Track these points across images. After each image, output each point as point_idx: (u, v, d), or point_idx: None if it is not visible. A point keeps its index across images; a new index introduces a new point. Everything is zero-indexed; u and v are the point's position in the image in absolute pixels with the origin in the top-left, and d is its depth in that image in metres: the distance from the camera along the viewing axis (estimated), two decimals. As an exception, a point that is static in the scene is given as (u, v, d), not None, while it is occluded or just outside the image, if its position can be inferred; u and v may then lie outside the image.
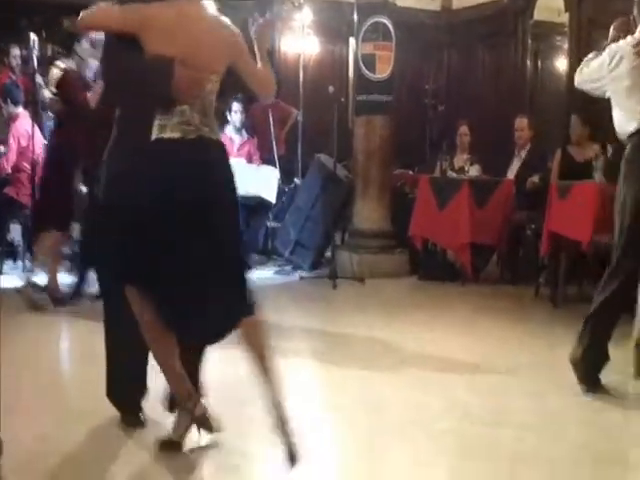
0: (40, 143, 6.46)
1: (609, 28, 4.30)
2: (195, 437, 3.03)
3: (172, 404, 3.10)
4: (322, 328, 5.24)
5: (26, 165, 6.53)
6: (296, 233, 7.76)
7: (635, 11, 4.07)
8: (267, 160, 8.14)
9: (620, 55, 4.04)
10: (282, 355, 3.10)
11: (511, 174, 7.47)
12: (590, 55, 4.27)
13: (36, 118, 6.51)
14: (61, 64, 5.56)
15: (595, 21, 7.80)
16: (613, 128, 4.18)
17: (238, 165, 7.94)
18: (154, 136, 2.87)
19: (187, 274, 2.84)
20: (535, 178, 7.09)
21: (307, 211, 7.74)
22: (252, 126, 8.35)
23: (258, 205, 7.68)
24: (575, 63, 6.66)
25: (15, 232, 7.06)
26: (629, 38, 4.07)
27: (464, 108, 9.53)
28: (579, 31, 8.22)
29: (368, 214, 7.58)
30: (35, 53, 6.19)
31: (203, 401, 3.02)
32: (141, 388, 3.26)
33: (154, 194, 2.82)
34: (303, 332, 5.05)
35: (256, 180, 7.56)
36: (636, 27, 4.07)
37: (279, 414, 2.79)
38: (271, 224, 8.20)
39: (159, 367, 2.98)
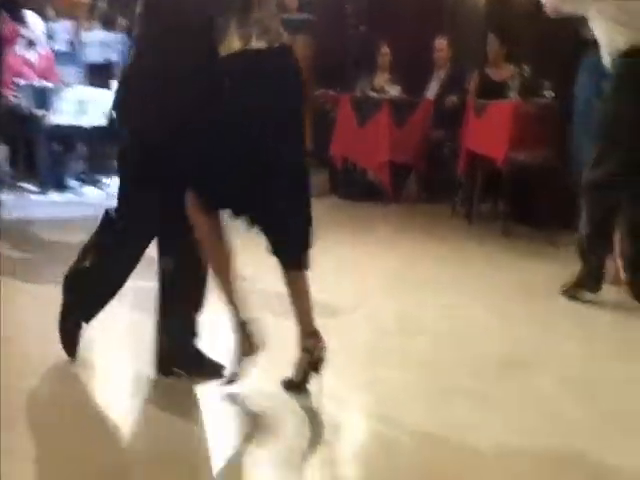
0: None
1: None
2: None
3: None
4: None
5: None
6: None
7: None
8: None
9: None
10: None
11: (430, 94, 7.54)
12: None
13: None
14: None
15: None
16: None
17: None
18: (235, 48, 2.70)
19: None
20: (453, 97, 7.18)
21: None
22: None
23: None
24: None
25: None
26: None
27: (385, 28, 9.49)
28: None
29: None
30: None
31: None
32: None
33: (254, 109, 2.71)
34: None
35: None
36: None
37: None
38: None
39: None
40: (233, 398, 2.80)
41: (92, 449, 2.40)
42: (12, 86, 6.78)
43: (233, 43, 2.71)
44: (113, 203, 2.95)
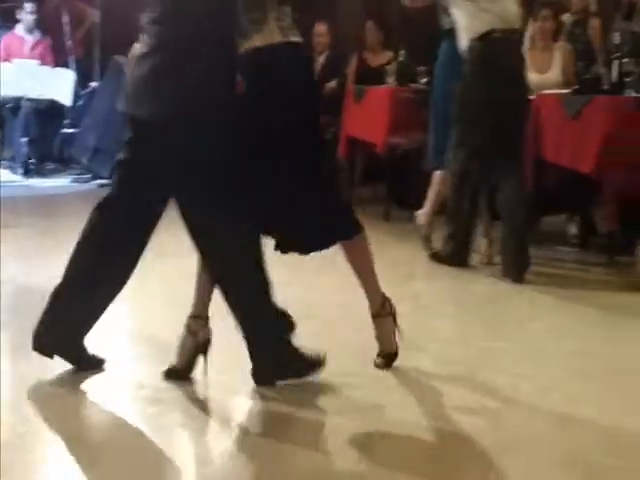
0: None
1: None
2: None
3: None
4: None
5: None
6: (95, 139, 7.51)
7: None
8: (63, 63, 7.77)
9: None
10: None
11: (310, 79, 7.55)
12: None
13: None
14: None
15: None
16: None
17: (31, 66, 7.58)
18: (275, 40, 2.72)
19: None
20: (332, 83, 7.23)
21: (105, 115, 7.47)
22: (45, 26, 7.91)
23: (52, 110, 7.35)
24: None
25: None
26: None
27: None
28: None
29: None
30: None
31: None
32: None
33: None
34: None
35: (50, 83, 7.21)
36: None
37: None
38: (67, 130, 7.88)
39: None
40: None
41: None
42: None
43: (274, 36, 2.74)
44: None
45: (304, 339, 2.89)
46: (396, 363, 3.01)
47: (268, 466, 2.30)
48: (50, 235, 5.35)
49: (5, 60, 7.76)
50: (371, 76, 6.54)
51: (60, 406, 2.69)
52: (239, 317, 2.77)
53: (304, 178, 2.80)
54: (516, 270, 4.30)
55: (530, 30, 5.86)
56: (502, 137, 4.30)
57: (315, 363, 2.85)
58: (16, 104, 7.69)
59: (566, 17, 6.57)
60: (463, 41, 4.34)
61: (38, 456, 2.36)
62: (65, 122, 7.82)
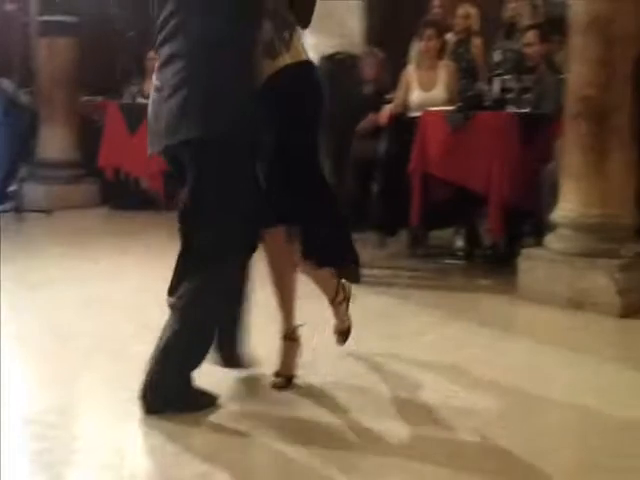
0: None
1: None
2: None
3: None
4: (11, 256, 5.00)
5: None
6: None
7: None
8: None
9: None
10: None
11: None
12: None
13: None
14: None
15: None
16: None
17: None
18: (305, 57, 2.96)
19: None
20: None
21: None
22: None
23: None
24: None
25: None
26: None
27: (153, 33, 9.34)
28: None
29: (55, 143, 7.30)
30: None
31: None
32: None
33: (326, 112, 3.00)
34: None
35: None
36: None
37: None
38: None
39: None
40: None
41: None
42: None
43: (301, 53, 2.97)
44: None
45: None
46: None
47: None
48: None
49: None
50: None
51: None
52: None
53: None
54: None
55: (415, 49, 5.99)
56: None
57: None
58: None
59: (449, 36, 6.74)
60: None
61: None
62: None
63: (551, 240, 4.30)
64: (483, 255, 5.21)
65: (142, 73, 7.78)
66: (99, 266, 4.99)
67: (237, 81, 2.75)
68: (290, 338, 3.07)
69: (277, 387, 3.01)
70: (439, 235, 5.52)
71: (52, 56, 7.29)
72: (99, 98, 8.12)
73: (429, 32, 5.67)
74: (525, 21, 6.80)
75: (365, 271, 4.39)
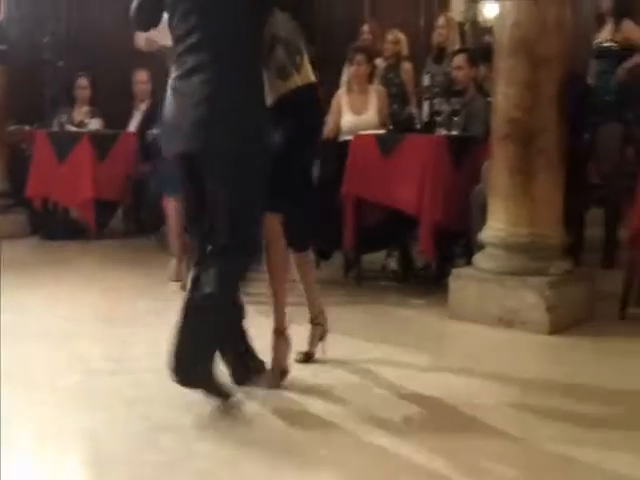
0: None
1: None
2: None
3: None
4: None
5: None
6: None
7: None
8: None
9: None
10: None
11: (132, 127, 7.45)
12: None
13: None
14: None
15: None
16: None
17: None
18: (313, 80, 3.33)
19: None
20: (155, 130, 7.14)
21: None
22: None
23: None
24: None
25: None
26: None
27: (86, 60, 9.25)
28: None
29: (-20, 173, 7.14)
30: None
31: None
32: None
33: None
34: None
35: None
36: None
37: None
38: None
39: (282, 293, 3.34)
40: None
41: None
42: None
43: (310, 75, 3.33)
44: None
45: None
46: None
47: None
48: None
49: None
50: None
51: None
52: None
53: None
54: None
55: (346, 74, 6.04)
56: None
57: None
58: None
59: (379, 62, 6.82)
60: None
61: None
62: None
63: (480, 259, 4.35)
64: (416, 276, 5.24)
65: (71, 102, 7.70)
66: (34, 296, 4.88)
67: (259, 97, 3.09)
68: (283, 335, 3.35)
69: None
70: (373, 258, 5.53)
71: (-22, 84, 7.14)
72: (27, 127, 7.98)
73: (359, 57, 5.74)
74: (454, 46, 6.93)
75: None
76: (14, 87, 7.53)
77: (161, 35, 4.85)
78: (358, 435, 2.83)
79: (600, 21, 5.96)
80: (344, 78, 6.34)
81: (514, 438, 2.81)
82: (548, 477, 2.54)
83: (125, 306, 4.75)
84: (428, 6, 9.81)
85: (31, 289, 5.07)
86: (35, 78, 9.22)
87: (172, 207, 5.23)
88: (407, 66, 7.03)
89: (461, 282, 4.33)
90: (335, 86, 6.23)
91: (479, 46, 7.55)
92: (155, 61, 8.65)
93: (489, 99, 4.91)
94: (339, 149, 5.38)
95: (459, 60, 5.80)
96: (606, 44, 5.81)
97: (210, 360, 3.02)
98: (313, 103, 3.39)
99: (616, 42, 5.77)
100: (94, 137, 7.06)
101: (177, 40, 3.08)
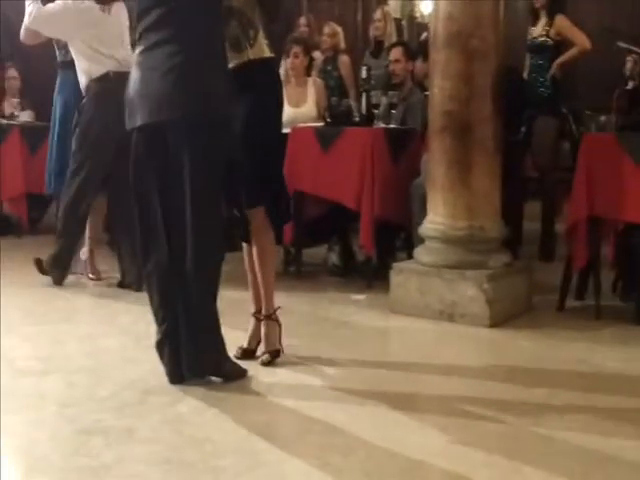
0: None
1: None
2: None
3: None
4: None
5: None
6: None
7: None
8: None
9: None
10: None
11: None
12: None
13: None
14: None
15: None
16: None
17: None
18: (267, 55, 3.32)
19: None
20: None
21: None
22: None
23: None
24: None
25: None
26: None
27: (15, 50, 8.98)
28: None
29: None
30: None
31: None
32: None
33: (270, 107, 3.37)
34: None
35: None
36: None
37: None
38: None
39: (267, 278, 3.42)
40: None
41: None
42: None
43: (264, 50, 3.32)
44: None
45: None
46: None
47: None
48: None
49: None
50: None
51: None
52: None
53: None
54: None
55: (283, 67, 5.98)
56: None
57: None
58: None
59: (317, 54, 6.77)
60: (82, 81, 4.88)
61: None
62: None
63: (421, 253, 4.33)
64: (357, 270, 5.20)
65: (1, 93, 7.47)
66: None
67: (224, 66, 3.16)
68: (270, 317, 3.44)
69: (265, 363, 3.40)
70: (313, 252, 5.48)
71: None
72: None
73: (295, 49, 5.71)
74: (391, 40, 6.92)
75: (238, 293, 4.32)
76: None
77: (47, 27, 5.03)
78: (295, 437, 2.78)
79: (535, 16, 5.99)
80: (281, 71, 6.28)
81: (456, 429, 2.79)
82: (497, 468, 2.51)
83: (55, 303, 4.61)
84: (365, 0, 9.82)
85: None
86: None
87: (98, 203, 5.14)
88: (344, 59, 7.00)
89: (402, 276, 4.30)
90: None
91: (417, 42, 7.57)
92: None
93: (427, 93, 4.90)
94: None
95: (396, 53, 5.79)
96: (541, 39, 5.85)
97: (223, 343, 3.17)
98: (269, 80, 3.36)
99: (550, 37, 5.81)
100: (24, 130, 6.85)
101: (138, 19, 3.14)
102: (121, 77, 4.65)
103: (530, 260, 5.08)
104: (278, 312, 3.49)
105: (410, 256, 4.65)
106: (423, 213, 4.43)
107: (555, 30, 5.78)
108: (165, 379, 3.19)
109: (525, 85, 5.75)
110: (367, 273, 4.92)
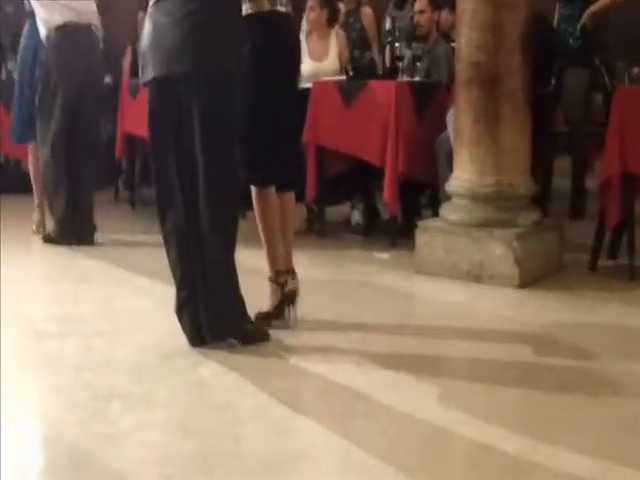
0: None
1: None
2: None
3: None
4: None
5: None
6: None
7: None
8: None
9: None
10: None
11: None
12: None
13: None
14: None
15: None
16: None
17: None
18: (266, 8, 3.19)
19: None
20: (108, 78, 6.84)
21: None
22: None
23: None
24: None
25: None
26: None
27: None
28: None
29: None
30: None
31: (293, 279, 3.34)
32: None
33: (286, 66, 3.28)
34: None
35: None
36: None
37: None
38: None
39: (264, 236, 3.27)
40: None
41: None
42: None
43: (264, 3, 3.19)
44: None
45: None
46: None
47: None
48: None
49: None
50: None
51: None
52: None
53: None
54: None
55: (305, 20, 5.83)
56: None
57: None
58: None
59: (340, 6, 6.58)
60: (42, 30, 4.85)
61: None
62: None
63: (447, 211, 4.20)
64: (381, 229, 5.08)
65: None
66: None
67: (238, 21, 3.06)
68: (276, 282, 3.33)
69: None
70: (336, 210, 5.36)
71: None
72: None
73: (311, 2, 5.57)
74: (415, -10, 6.71)
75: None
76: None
77: None
78: (317, 403, 2.70)
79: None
80: (303, 24, 6.12)
81: (482, 395, 2.69)
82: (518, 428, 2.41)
83: (72, 262, 4.54)
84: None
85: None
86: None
87: (32, 154, 5.20)
88: (367, 11, 6.80)
89: (427, 235, 4.17)
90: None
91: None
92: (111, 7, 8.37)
93: (453, 44, 4.72)
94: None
95: (421, 3, 5.61)
96: (570, -13, 5.62)
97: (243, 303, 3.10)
98: (261, 35, 3.17)
99: (580, -15, 5.58)
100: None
101: None
102: (80, 28, 4.87)
103: (560, 218, 4.92)
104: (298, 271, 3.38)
105: (436, 214, 4.52)
106: (449, 169, 4.29)
107: (586, -23, 5.54)
108: (184, 342, 3.11)
109: (554, 35, 5.54)
110: (391, 231, 4.79)
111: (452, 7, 4.83)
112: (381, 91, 4.79)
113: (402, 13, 6.52)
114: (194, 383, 2.81)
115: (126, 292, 3.93)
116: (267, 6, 3.20)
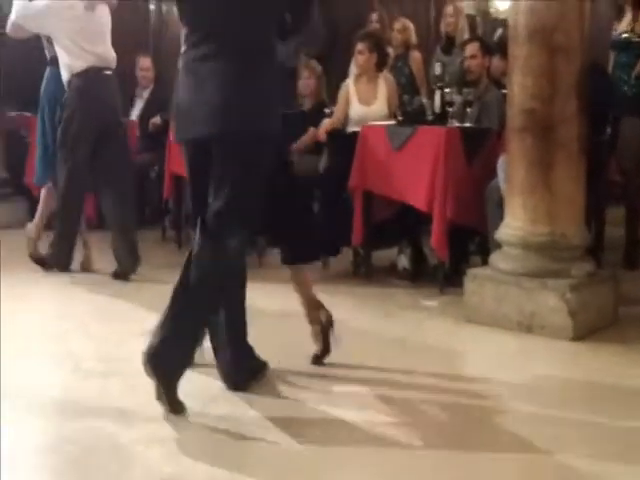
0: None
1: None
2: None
3: None
4: None
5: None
6: None
7: None
8: None
9: None
10: None
11: (134, 115, 7.22)
12: None
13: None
14: None
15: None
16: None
17: None
18: None
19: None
20: (157, 119, 6.91)
21: None
22: None
23: None
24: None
25: None
26: None
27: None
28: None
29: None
30: None
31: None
32: None
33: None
34: None
35: None
36: None
37: None
38: None
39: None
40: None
41: None
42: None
43: None
44: None
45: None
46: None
47: None
48: None
49: None
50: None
51: None
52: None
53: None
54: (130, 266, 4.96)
55: (353, 64, 5.84)
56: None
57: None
58: None
59: (389, 51, 6.58)
60: (65, 75, 4.99)
61: None
62: None
63: (498, 259, 4.11)
64: (428, 275, 4.99)
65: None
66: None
67: (274, 84, 2.94)
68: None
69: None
70: (383, 255, 5.29)
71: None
72: (28, 113, 7.70)
73: (360, 46, 5.54)
74: (463, 36, 6.70)
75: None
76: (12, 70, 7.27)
77: (33, 23, 5.11)
78: (374, 449, 2.61)
79: (620, 11, 5.69)
80: (352, 68, 6.13)
81: (537, 450, 2.59)
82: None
83: (114, 303, 4.53)
84: (438, -3, 9.59)
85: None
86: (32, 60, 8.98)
87: (46, 193, 5.32)
88: (416, 55, 6.81)
89: (477, 283, 4.09)
90: (344, 75, 6.02)
91: (492, 38, 7.32)
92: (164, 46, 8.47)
93: (504, 91, 4.67)
94: (347, 141, 5.15)
95: (472, 48, 5.56)
96: (625, 35, 5.56)
97: (191, 356, 2.89)
98: None
99: (635, 33, 5.51)
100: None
101: (191, 24, 2.97)
102: (101, 72, 5.05)
103: (614, 268, 4.79)
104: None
105: (485, 262, 4.43)
106: (499, 217, 4.21)
107: (641, 25, 5.47)
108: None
109: (610, 82, 5.46)
110: (439, 278, 4.71)
111: (503, 53, 4.80)
112: (431, 136, 4.75)
113: (451, 58, 6.50)
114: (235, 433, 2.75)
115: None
116: None
